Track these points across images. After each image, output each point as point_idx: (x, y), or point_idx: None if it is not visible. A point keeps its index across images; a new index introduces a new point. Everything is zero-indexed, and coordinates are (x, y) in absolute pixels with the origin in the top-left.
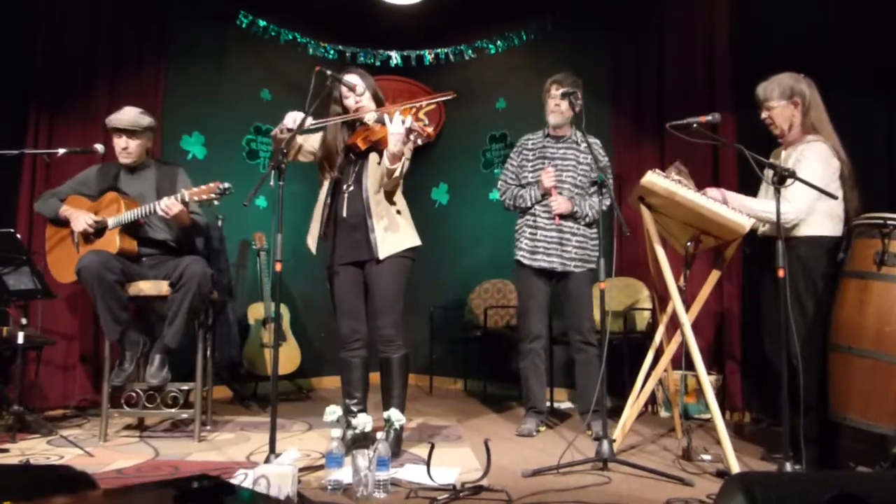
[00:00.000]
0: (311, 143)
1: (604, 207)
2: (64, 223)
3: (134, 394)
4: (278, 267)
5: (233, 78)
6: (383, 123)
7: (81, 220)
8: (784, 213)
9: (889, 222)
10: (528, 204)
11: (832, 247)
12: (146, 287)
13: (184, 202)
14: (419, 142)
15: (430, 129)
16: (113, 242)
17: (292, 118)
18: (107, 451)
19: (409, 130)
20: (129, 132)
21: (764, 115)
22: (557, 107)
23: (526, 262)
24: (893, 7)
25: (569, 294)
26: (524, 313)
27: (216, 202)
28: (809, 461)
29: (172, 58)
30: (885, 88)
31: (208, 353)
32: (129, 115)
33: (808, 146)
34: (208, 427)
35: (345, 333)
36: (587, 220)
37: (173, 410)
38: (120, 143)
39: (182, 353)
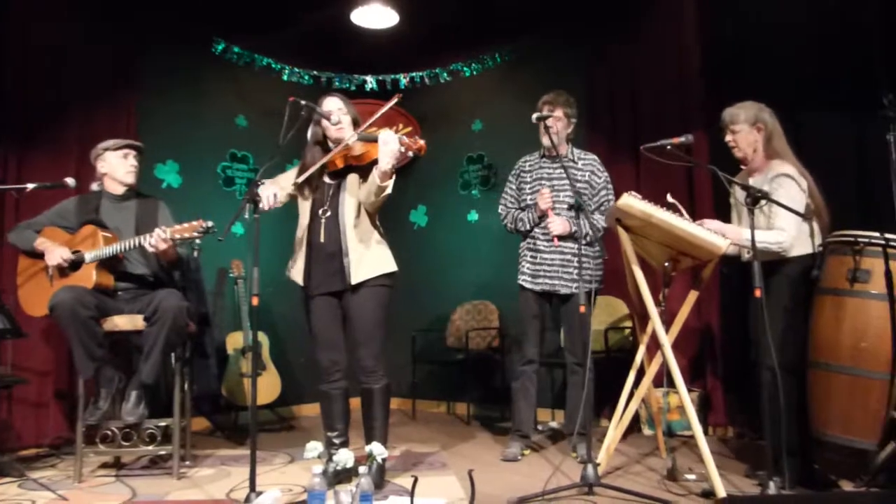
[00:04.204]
0: (287, 188)
1: (600, 225)
2: (39, 256)
3: (109, 432)
4: (255, 301)
5: (208, 105)
6: (365, 142)
7: (56, 254)
8: (781, 241)
9: (860, 240)
10: (528, 227)
11: (811, 264)
12: (121, 322)
13: None
14: (410, 154)
15: (421, 142)
16: (89, 277)
17: (267, 198)
18: (82, 493)
19: (402, 145)
20: (140, 150)
21: (728, 138)
22: (550, 129)
23: (528, 285)
24: (864, 28)
25: (570, 316)
26: (523, 336)
27: (198, 241)
28: (792, 477)
29: (145, 86)
30: (854, 108)
31: (186, 386)
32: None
33: (778, 175)
34: (188, 462)
35: (324, 366)
36: (588, 239)
37: (151, 448)
38: (131, 161)
39: (159, 387)
